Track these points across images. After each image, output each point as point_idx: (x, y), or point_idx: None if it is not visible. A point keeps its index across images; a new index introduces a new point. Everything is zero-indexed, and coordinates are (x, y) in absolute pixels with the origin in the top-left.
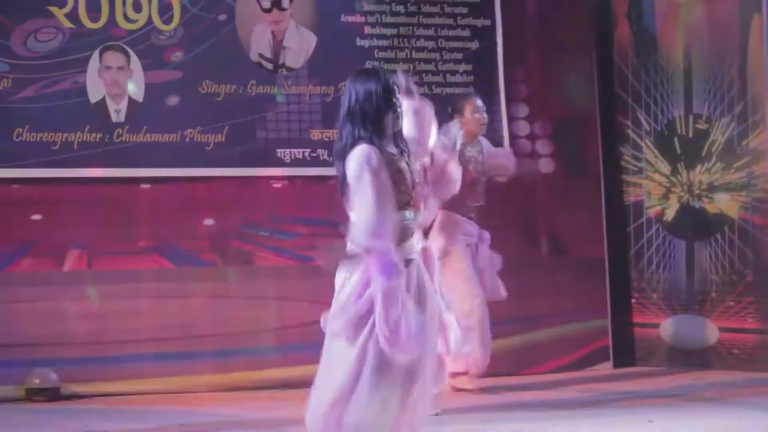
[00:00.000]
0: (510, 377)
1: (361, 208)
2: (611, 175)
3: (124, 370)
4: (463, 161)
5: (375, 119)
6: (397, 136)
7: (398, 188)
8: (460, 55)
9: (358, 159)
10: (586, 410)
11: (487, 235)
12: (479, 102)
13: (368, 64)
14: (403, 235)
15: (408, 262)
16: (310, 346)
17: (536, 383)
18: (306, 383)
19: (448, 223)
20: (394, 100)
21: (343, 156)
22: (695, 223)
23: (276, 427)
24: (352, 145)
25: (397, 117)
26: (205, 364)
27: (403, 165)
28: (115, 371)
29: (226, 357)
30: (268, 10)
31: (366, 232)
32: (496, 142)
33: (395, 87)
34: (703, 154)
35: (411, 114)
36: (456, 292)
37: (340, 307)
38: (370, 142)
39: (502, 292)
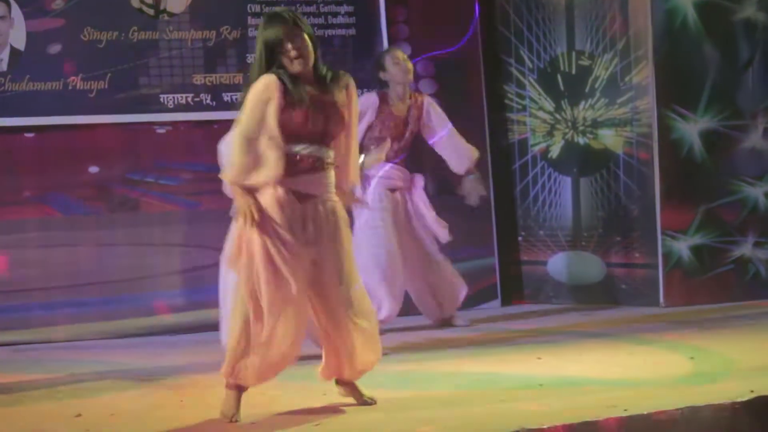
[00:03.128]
0: (397, 317)
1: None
2: (495, 113)
3: (11, 320)
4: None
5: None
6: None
7: (293, 121)
8: None
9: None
10: (475, 348)
11: (419, 178)
12: (399, 52)
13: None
14: (293, 169)
15: (303, 196)
16: (198, 292)
17: (423, 323)
18: (195, 328)
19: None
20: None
21: None
22: (580, 160)
23: (166, 374)
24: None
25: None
26: (93, 312)
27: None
28: (2, 321)
29: (114, 305)
30: None
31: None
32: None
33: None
34: (587, 91)
35: None
36: (364, 243)
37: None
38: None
39: (443, 237)
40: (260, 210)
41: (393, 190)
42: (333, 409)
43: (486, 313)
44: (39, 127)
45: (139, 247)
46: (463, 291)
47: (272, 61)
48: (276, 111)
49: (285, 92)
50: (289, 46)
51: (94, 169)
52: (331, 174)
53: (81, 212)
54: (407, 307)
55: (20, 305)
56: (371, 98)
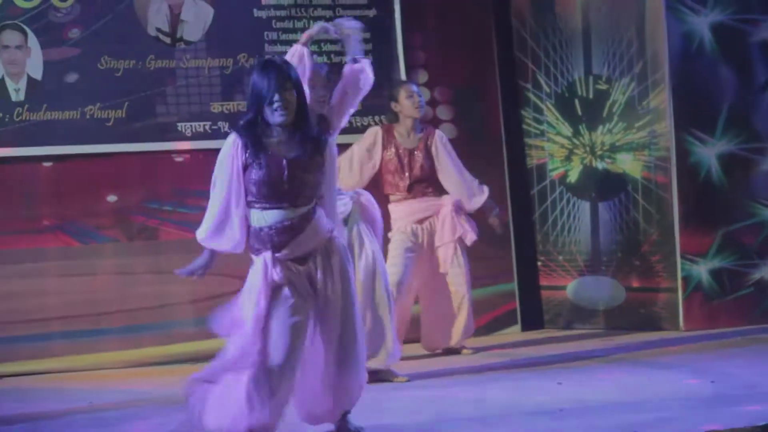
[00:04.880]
0: (418, 344)
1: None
2: (513, 138)
3: (32, 350)
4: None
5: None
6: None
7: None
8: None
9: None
10: (495, 374)
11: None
12: (413, 87)
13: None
14: (262, 240)
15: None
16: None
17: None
18: (215, 356)
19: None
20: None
21: None
22: (598, 184)
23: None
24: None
25: (275, 109)
26: (114, 340)
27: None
28: (23, 351)
29: (134, 333)
30: None
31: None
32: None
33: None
34: (605, 115)
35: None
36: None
37: None
38: (237, 130)
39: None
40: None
41: (420, 221)
42: None
43: (506, 338)
44: (57, 156)
45: (158, 275)
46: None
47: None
48: (239, 170)
49: (246, 149)
50: (275, 97)
51: (112, 198)
52: (319, 211)
53: (99, 241)
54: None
55: (40, 334)
56: (373, 132)
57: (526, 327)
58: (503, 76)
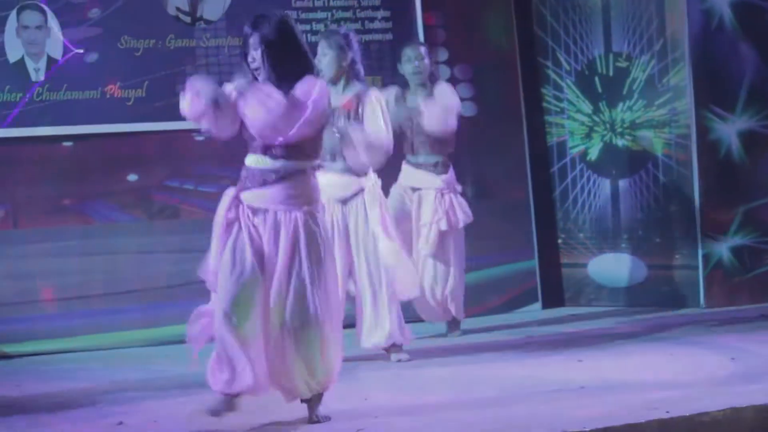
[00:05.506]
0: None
1: None
2: (533, 116)
3: (53, 329)
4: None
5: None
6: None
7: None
8: (377, 1)
9: None
10: (516, 352)
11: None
12: (410, 50)
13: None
14: (244, 183)
15: (255, 210)
16: None
17: (465, 327)
18: None
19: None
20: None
21: None
22: (619, 162)
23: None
24: None
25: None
26: (135, 319)
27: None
28: (44, 330)
29: (155, 312)
30: None
31: None
32: None
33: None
34: (624, 92)
35: None
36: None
37: None
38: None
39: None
40: None
41: (415, 189)
42: (373, 414)
43: (527, 316)
44: (77, 135)
45: (179, 254)
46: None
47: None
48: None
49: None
50: (250, 56)
51: (132, 177)
52: (298, 184)
53: (120, 220)
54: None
55: (61, 314)
56: (387, 91)
57: (546, 305)
58: (523, 53)
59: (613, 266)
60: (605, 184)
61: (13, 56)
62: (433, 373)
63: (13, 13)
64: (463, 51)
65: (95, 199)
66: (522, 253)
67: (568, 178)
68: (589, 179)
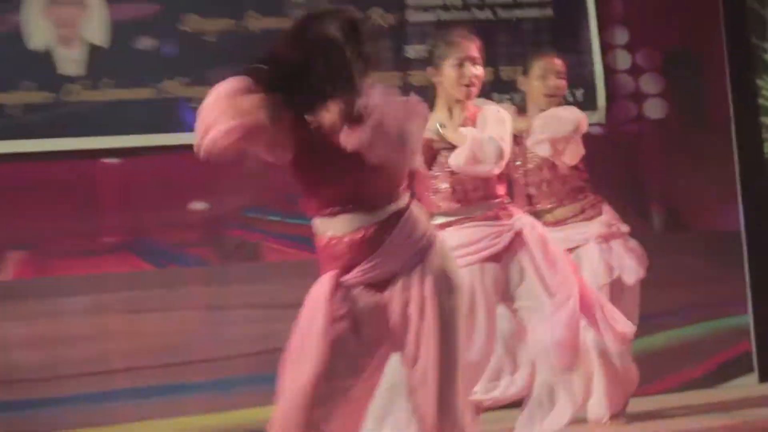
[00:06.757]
0: None
1: None
2: (744, 117)
3: (89, 414)
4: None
5: None
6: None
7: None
8: None
9: None
10: None
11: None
12: (556, 63)
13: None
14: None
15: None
16: None
17: (652, 408)
18: None
19: None
20: None
21: None
22: None
23: None
24: None
25: None
26: (198, 400)
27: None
28: (77, 416)
29: (226, 390)
30: None
31: None
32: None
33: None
34: None
35: None
36: None
37: None
38: None
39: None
40: None
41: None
42: None
43: (739, 392)
44: (125, 149)
45: (261, 309)
46: None
47: None
48: None
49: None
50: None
51: (198, 205)
52: (405, 221)
53: (181, 263)
54: None
55: (102, 393)
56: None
57: (765, 377)
58: (731, 34)
59: None
60: None
61: (36, 42)
62: None
63: None
64: (650, 31)
65: (147, 236)
66: (730, 305)
67: None
68: None
